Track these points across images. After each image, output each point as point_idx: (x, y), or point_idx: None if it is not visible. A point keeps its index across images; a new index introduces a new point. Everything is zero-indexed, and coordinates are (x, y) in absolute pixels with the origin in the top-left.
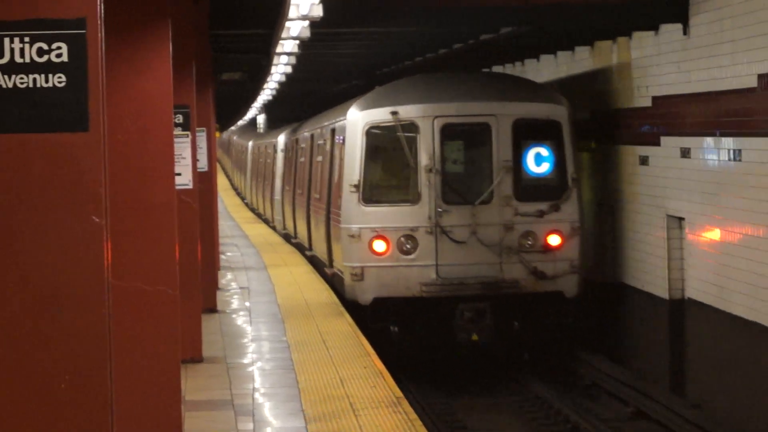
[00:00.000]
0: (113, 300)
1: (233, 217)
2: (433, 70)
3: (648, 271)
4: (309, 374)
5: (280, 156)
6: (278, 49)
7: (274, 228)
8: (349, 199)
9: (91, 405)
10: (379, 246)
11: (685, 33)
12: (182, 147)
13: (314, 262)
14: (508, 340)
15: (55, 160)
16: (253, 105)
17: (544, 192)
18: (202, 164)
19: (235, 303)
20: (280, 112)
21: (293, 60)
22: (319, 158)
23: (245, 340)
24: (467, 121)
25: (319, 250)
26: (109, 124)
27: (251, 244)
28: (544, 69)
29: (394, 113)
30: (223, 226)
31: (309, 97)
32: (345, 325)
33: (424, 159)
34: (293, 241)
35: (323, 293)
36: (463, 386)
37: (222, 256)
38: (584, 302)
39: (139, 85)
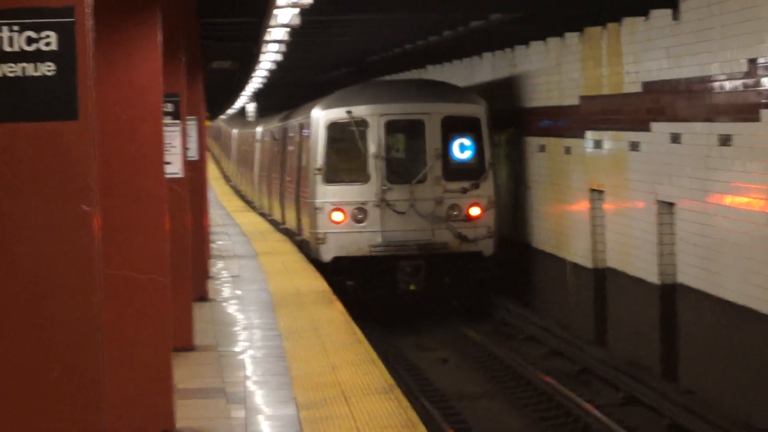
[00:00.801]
0: (104, 288)
1: (224, 206)
2: (424, 57)
3: (638, 257)
4: (300, 362)
5: (258, 146)
6: (268, 37)
7: (254, 208)
8: (314, 180)
9: (82, 394)
10: (338, 216)
11: (675, 18)
12: (172, 136)
13: (287, 234)
14: (439, 289)
15: (44, 149)
16: (243, 93)
17: (466, 173)
18: (192, 153)
19: (226, 291)
20: (271, 100)
21: (283, 48)
22: (291, 148)
23: (236, 329)
24: (406, 118)
25: (291, 222)
26: (98, 113)
27: (242, 232)
28: (534, 55)
29: (349, 112)
30: (214, 214)
31: (299, 85)
32: (337, 313)
33: (372, 148)
34: (269, 218)
35: (315, 281)
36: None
37: (213, 245)
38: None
39: (128, 74)
